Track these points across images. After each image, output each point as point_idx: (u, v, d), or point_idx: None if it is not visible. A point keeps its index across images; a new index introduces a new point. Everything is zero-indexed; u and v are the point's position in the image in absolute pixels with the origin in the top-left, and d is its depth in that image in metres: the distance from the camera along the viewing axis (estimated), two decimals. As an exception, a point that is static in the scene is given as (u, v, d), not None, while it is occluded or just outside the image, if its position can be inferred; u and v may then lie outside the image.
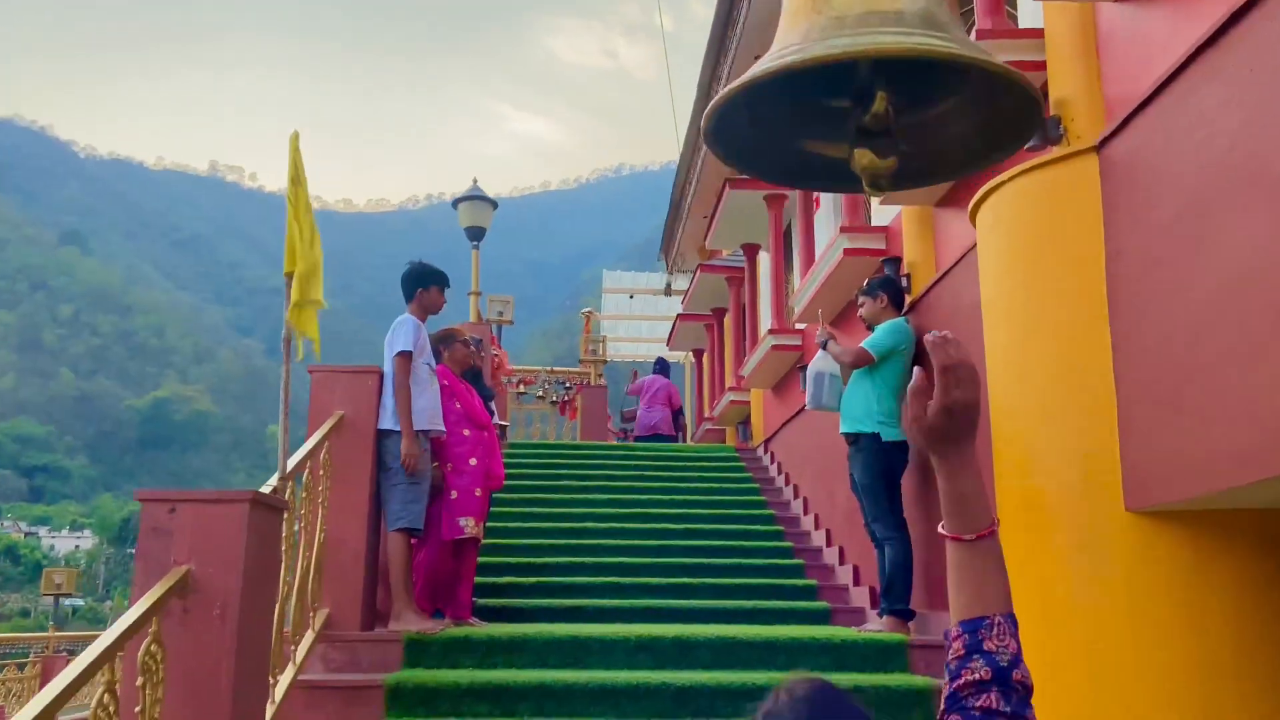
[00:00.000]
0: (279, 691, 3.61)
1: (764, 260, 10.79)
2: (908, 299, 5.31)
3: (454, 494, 4.99)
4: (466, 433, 5.14)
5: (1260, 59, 2.54)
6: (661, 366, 12.99)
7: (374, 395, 4.70)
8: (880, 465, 4.86)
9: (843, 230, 6.55)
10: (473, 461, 5.10)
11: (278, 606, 3.64)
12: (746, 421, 11.66)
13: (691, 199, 13.63)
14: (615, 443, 11.99)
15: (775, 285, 9.21)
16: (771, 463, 9.22)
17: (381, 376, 4.75)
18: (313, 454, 4.16)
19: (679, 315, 13.73)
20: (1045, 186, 3.57)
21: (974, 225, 4.01)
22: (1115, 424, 3.24)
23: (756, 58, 9.65)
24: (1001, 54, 4.22)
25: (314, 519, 4.21)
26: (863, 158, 1.35)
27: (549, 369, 13.91)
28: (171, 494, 2.87)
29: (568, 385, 13.38)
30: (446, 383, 5.18)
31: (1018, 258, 3.68)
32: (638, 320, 17.79)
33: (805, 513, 7.67)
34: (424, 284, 4.93)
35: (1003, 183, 3.71)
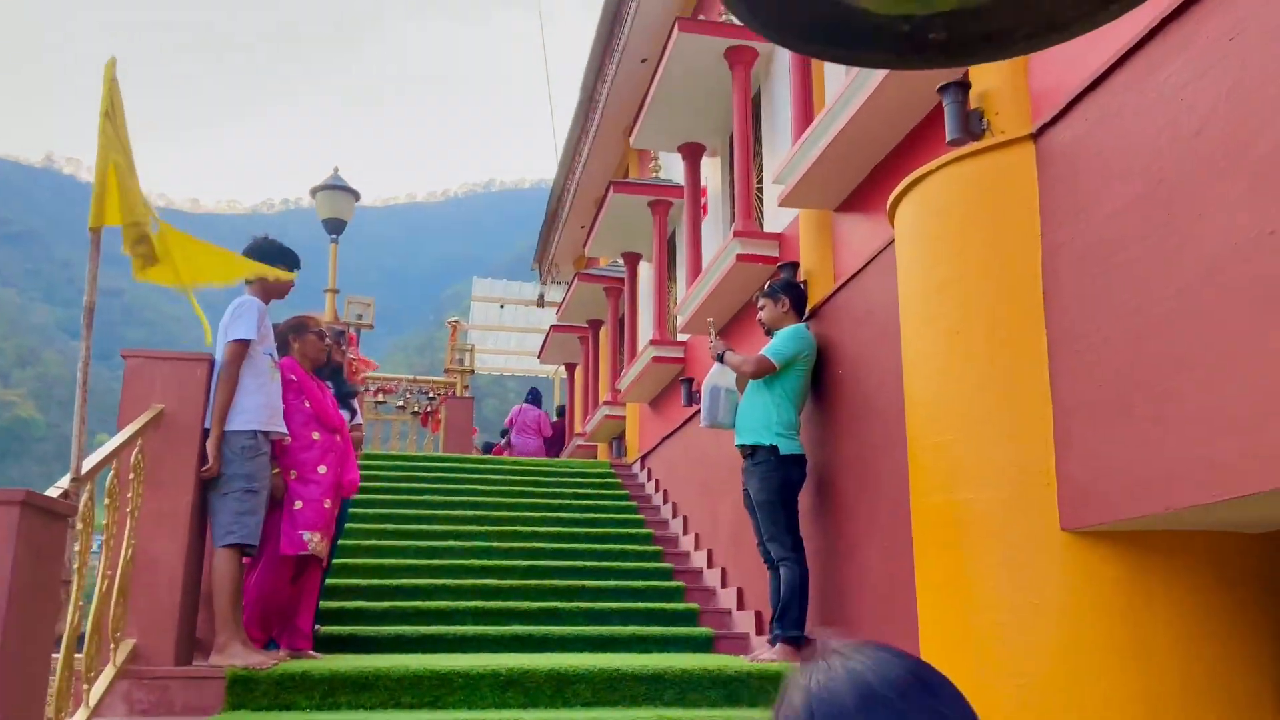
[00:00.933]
0: (61, 745, 2.90)
1: (645, 270, 10.43)
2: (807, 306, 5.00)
3: (298, 504, 4.33)
4: (316, 436, 4.49)
5: (1244, 23, 2.28)
6: (533, 396, 13.15)
7: (202, 387, 4.00)
8: (777, 480, 4.50)
9: (736, 235, 6.22)
10: (322, 469, 4.45)
11: (66, 636, 2.94)
12: (621, 437, 11.23)
13: (569, 207, 13.18)
14: (480, 455, 11.34)
15: (658, 295, 8.84)
16: (649, 479, 8.80)
17: (213, 365, 4.06)
18: (120, 453, 3.45)
19: (552, 326, 13.20)
20: (973, 178, 3.28)
21: (891, 223, 3.71)
22: (1050, 435, 2.95)
23: (644, 61, 9.33)
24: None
25: (119, 531, 3.49)
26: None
27: (411, 378, 13.11)
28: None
29: (431, 395, 12.63)
30: (294, 377, 4.52)
31: (942, 254, 3.37)
32: (508, 332, 17.14)
33: (685, 532, 7.28)
34: (269, 262, 4.26)
35: (925, 175, 3.41)
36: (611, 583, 6.11)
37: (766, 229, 6.50)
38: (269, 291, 4.30)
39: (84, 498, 3.05)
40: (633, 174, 10.84)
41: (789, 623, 4.33)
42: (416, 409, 12.50)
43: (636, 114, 7.92)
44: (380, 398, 12.31)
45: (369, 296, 11.67)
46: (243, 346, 4.04)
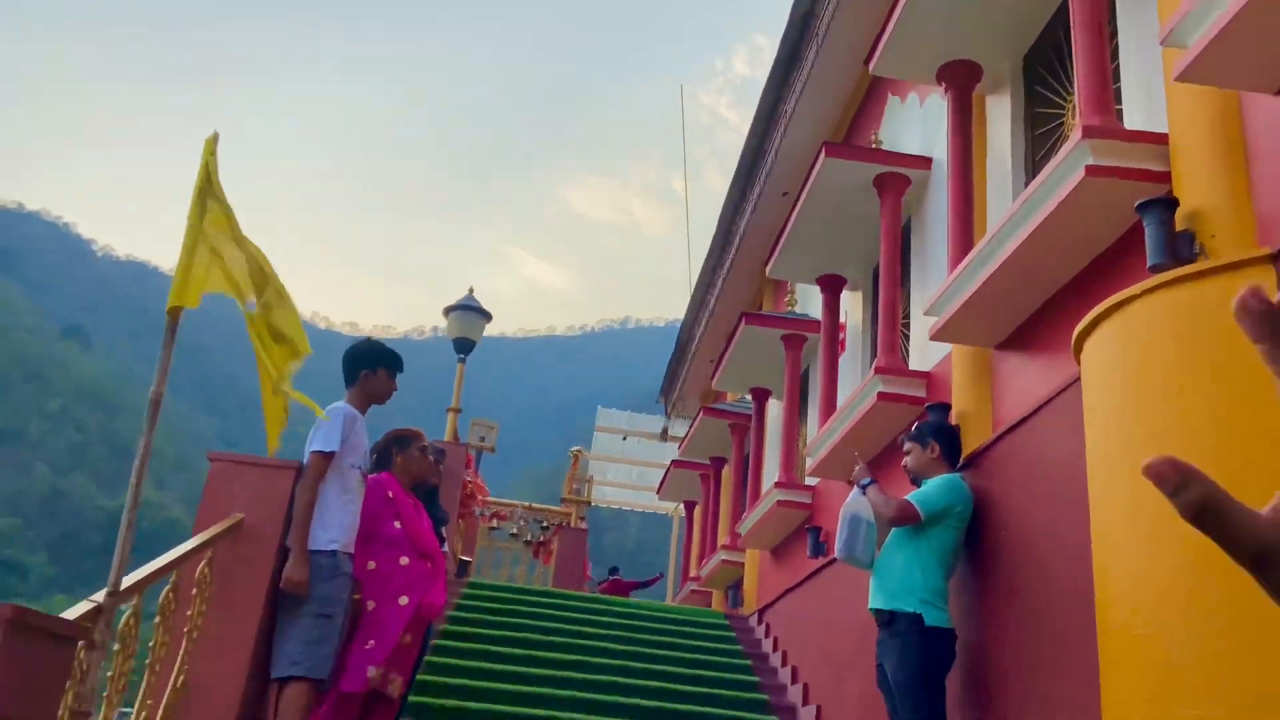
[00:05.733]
0: None
1: (774, 408, 9.89)
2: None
3: (370, 643, 3.88)
4: (404, 560, 4.08)
5: None
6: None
7: (285, 497, 3.68)
8: (921, 657, 3.78)
9: (878, 371, 5.66)
10: (403, 600, 4.02)
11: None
12: (738, 585, 10.45)
13: (699, 341, 12.88)
14: (590, 592, 10.75)
15: (787, 434, 8.26)
16: (766, 636, 8.00)
17: (299, 475, 3.74)
18: (183, 565, 3.11)
19: (673, 462, 12.71)
20: (1194, 305, 2.67)
21: (1076, 359, 3.11)
22: (1309, 637, 2.23)
23: (785, 194, 9.06)
24: (1111, 158, 3.44)
25: (170, 654, 3.11)
26: None
27: (526, 504, 12.75)
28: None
29: (545, 525, 12.20)
30: (391, 494, 4.17)
31: (1149, 397, 2.74)
32: (629, 464, 16.71)
33: (805, 702, 6.44)
34: (369, 365, 3.97)
35: (1124, 301, 2.82)
36: (720, 756, 5.35)
37: (912, 367, 5.91)
38: (369, 397, 4.00)
39: (126, 615, 2.70)
40: (766, 308, 10.45)
41: (933, 837, 3.53)
42: (530, 538, 12.08)
43: (774, 244, 7.60)
44: (494, 524, 11.96)
45: (494, 420, 11.49)
46: (324, 460, 3.71)
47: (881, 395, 5.60)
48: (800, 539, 7.89)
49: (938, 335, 4.76)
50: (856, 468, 4.30)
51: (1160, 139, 3.47)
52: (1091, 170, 3.47)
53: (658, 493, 13.86)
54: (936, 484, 3.99)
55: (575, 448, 15.76)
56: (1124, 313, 2.85)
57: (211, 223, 2.73)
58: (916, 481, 4.21)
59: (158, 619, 3.02)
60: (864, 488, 4.19)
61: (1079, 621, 3.19)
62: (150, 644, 2.98)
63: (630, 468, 16.88)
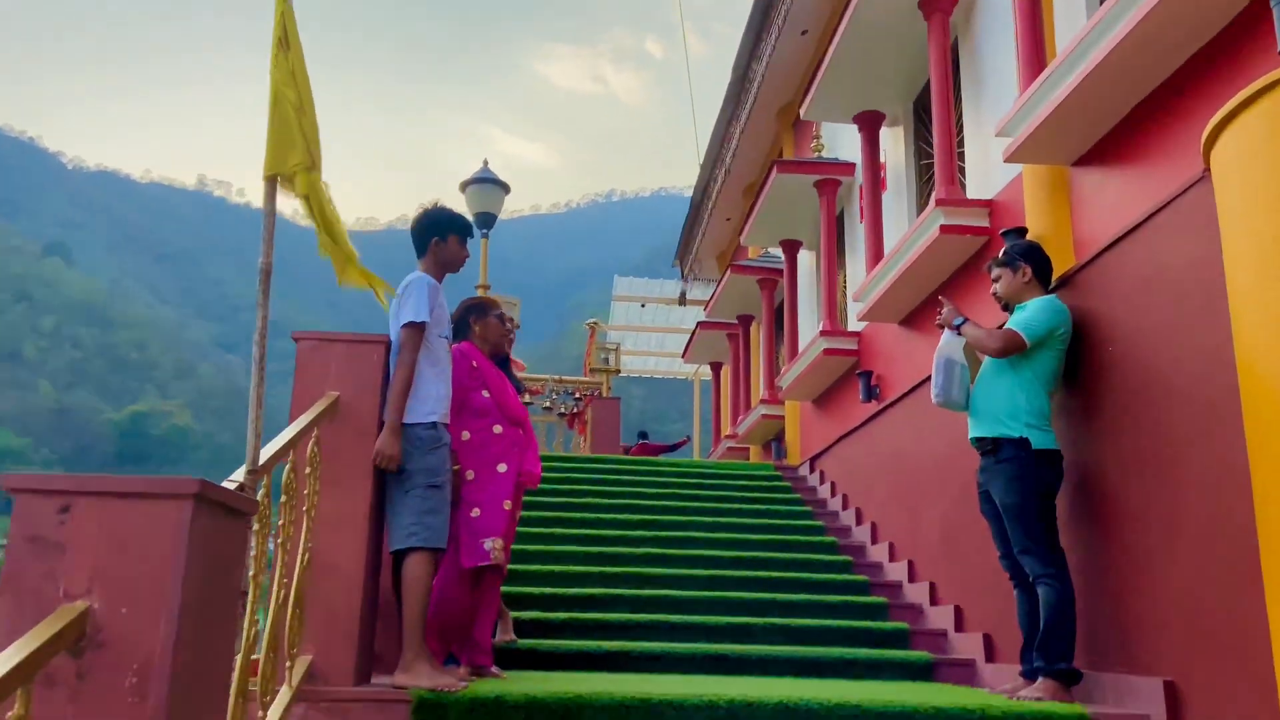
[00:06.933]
0: (240, 779, 2.48)
1: (805, 259, 9.74)
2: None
3: (476, 511, 3.86)
4: (498, 429, 4.02)
5: None
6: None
7: (380, 372, 3.58)
8: (1030, 480, 3.76)
9: (939, 203, 5.49)
10: (502, 467, 3.98)
11: (241, 655, 2.52)
12: (779, 439, 10.55)
13: (716, 198, 12.61)
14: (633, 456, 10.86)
15: (827, 282, 8.13)
16: (821, 483, 8.10)
17: (389, 349, 3.63)
18: (295, 444, 3.04)
19: (699, 324, 12.63)
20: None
21: (1205, 162, 2.96)
22: None
23: (804, 33, 8.64)
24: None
25: (296, 534, 3.08)
26: None
27: (557, 378, 12.76)
28: (64, 481, 1.75)
29: (577, 396, 12.23)
30: (475, 364, 4.08)
31: (1302, 184, 2.61)
32: (648, 332, 16.66)
33: (874, 541, 6.56)
34: (440, 233, 3.80)
35: (1267, 88, 2.65)
36: (803, 596, 5.46)
37: (970, 196, 5.74)
38: (443, 265, 3.85)
39: (259, 495, 2.64)
40: (788, 156, 10.16)
41: (1054, 653, 3.59)
42: (563, 410, 12.13)
43: (805, 87, 7.29)
44: (527, 399, 12.00)
45: (515, 296, 11.36)
46: (418, 331, 3.59)
47: (944, 228, 5.45)
48: (848, 385, 7.88)
49: (1012, 157, 4.57)
50: (945, 309, 4.20)
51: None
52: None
53: (683, 356, 13.84)
54: (1037, 307, 3.89)
55: (591, 320, 15.68)
56: (1255, 108, 2.68)
57: (289, 81, 2.52)
58: (1007, 308, 4.11)
59: (283, 498, 2.97)
60: (957, 328, 4.10)
61: (1203, 428, 3.15)
62: (279, 523, 2.94)
63: (649, 336, 16.84)
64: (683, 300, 15.43)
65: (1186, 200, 3.28)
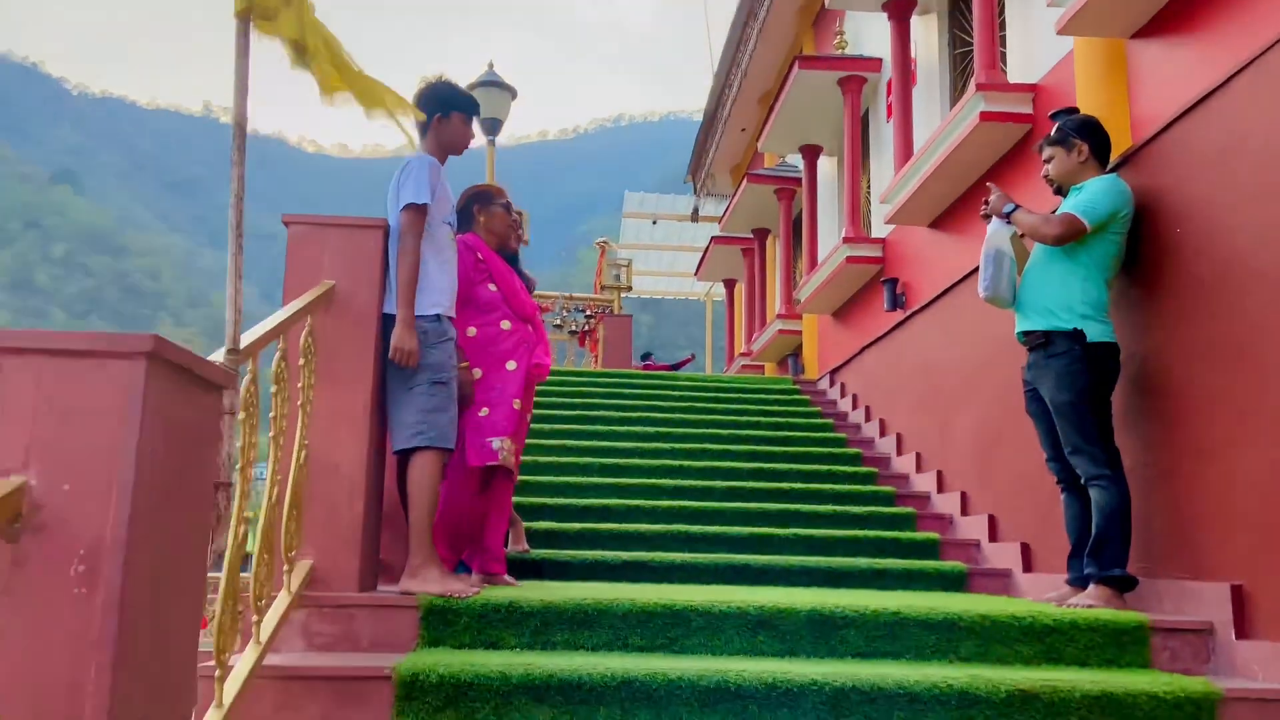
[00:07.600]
0: (231, 687, 2.27)
1: (825, 165, 9.33)
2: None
3: (484, 410, 3.61)
4: (506, 325, 3.75)
5: None
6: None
7: (378, 260, 3.29)
8: (1085, 376, 3.47)
9: (980, 88, 5.10)
10: (511, 365, 3.72)
11: (229, 555, 2.29)
12: (795, 354, 10.28)
13: (730, 106, 12.11)
14: (646, 370, 10.62)
15: (851, 187, 7.75)
16: (842, 396, 7.84)
17: (388, 234, 3.33)
18: (287, 332, 2.76)
19: (713, 238, 12.26)
20: None
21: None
22: None
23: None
24: None
25: (290, 428, 2.83)
26: None
27: (568, 295, 12.46)
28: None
29: (588, 314, 11.95)
30: (480, 256, 3.78)
31: None
32: (659, 250, 16.26)
33: (900, 452, 6.32)
34: (440, 109, 3.46)
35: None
36: (827, 507, 5.24)
37: (1011, 81, 5.34)
38: (444, 146, 3.52)
39: (245, 381, 2.37)
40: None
41: (1107, 559, 3.35)
42: (574, 328, 11.86)
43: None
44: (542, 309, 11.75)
45: (523, 208, 10.98)
46: (420, 213, 3.29)
47: (985, 115, 5.07)
48: (871, 295, 7.56)
49: (1065, 29, 4.17)
50: (994, 195, 3.85)
51: None
52: None
53: (696, 274, 13.50)
54: (1097, 188, 3.54)
55: (602, 239, 15.30)
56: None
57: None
58: (1061, 191, 3.77)
59: (274, 388, 2.72)
60: (1007, 215, 3.76)
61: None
62: (271, 415, 2.70)
63: (660, 254, 16.45)
64: (695, 216, 14.99)
65: (1271, 60, 2.92)
